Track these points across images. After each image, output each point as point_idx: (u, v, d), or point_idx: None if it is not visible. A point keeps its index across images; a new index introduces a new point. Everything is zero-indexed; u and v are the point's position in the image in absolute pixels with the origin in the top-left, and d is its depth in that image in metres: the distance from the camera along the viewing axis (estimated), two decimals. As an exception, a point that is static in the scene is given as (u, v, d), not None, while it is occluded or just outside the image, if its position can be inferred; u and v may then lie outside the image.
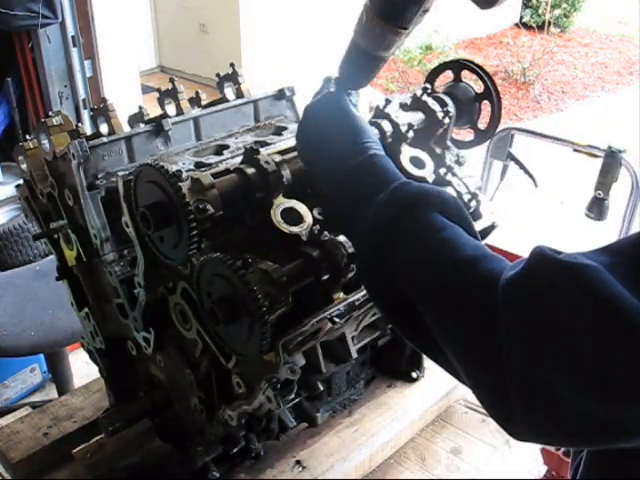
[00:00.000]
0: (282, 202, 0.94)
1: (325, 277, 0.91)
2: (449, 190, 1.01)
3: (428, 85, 1.11)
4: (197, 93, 1.23)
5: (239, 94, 1.23)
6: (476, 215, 1.05)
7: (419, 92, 1.09)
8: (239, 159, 0.98)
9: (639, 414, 0.56)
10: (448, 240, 0.72)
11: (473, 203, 1.03)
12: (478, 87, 1.08)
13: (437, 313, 0.70)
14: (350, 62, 0.90)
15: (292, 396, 0.99)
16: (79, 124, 1.12)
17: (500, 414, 0.65)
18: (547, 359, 0.57)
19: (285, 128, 1.22)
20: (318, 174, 0.91)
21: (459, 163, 1.10)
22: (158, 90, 1.21)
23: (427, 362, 1.38)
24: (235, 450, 1.16)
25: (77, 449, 1.22)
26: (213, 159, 1.10)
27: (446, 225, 0.74)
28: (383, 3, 0.82)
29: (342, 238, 0.92)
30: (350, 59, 0.90)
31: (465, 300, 0.67)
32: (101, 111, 1.13)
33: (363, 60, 0.89)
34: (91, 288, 1.15)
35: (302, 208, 0.95)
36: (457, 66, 1.11)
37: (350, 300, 0.95)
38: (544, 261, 0.61)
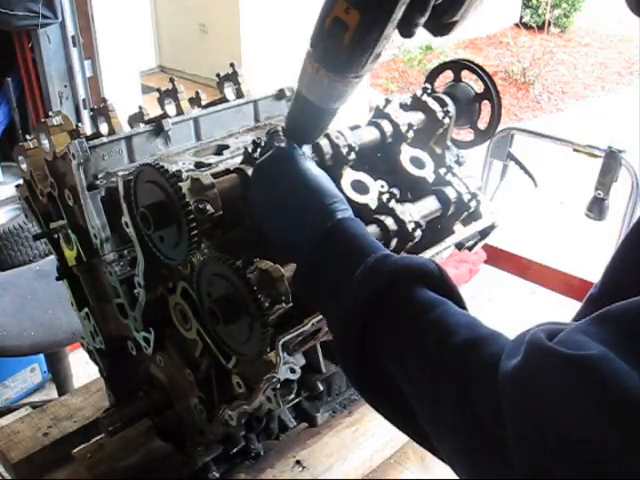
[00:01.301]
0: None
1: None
2: (449, 190, 1.01)
3: (428, 85, 1.11)
4: (197, 93, 1.22)
5: (239, 94, 1.23)
6: (476, 215, 1.05)
7: (419, 92, 1.09)
8: (239, 159, 0.98)
9: None
10: (439, 322, 0.63)
11: (473, 203, 1.03)
12: (478, 87, 1.08)
13: (433, 408, 0.61)
14: (298, 116, 0.83)
15: (292, 396, 0.99)
16: (79, 124, 1.12)
17: None
18: (560, 468, 0.49)
19: (285, 128, 1.22)
20: (281, 244, 0.81)
21: (459, 163, 1.10)
22: (158, 90, 1.21)
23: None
24: (235, 450, 1.16)
25: (77, 449, 1.22)
26: (213, 159, 1.10)
27: (434, 302, 0.66)
28: (329, 54, 0.72)
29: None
30: (297, 112, 0.82)
31: (463, 393, 0.58)
32: (101, 111, 1.13)
33: (312, 114, 0.80)
34: (91, 288, 1.15)
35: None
36: (457, 66, 1.11)
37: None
38: (543, 355, 0.51)
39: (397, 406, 0.68)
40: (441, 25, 0.74)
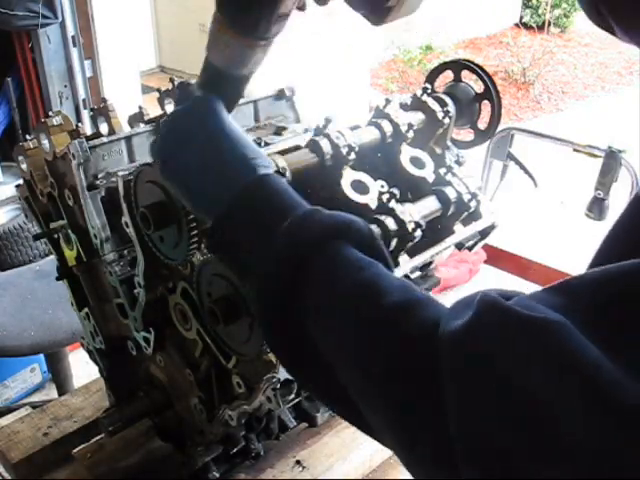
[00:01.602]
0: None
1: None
2: (449, 190, 1.01)
3: (428, 85, 1.11)
4: (197, 93, 1.23)
5: (239, 94, 1.23)
6: (476, 215, 1.05)
7: (419, 92, 1.09)
8: (239, 159, 0.98)
9: None
10: (370, 283, 0.59)
11: (473, 203, 1.03)
12: (478, 87, 1.08)
13: (360, 374, 0.57)
14: (205, 83, 0.78)
15: (292, 396, 0.99)
16: (79, 124, 1.12)
17: None
18: (508, 431, 0.46)
19: (285, 128, 1.22)
20: (193, 199, 0.74)
21: (459, 163, 1.10)
22: (158, 90, 1.21)
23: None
24: (235, 450, 1.16)
25: (77, 449, 1.22)
26: (213, 159, 1.10)
27: (364, 263, 0.61)
28: (229, 9, 0.71)
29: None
30: (204, 79, 0.77)
31: (397, 358, 0.54)
32: (101, 111, 1.13)
33: (217, 80, 0.76)
34: (91, 288, 1.15)
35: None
36: (457, 66, 1.11)
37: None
38: (496, 314, 0.48)
39: (321, 379, 0.64)
40: (376, 9, 0.69)
